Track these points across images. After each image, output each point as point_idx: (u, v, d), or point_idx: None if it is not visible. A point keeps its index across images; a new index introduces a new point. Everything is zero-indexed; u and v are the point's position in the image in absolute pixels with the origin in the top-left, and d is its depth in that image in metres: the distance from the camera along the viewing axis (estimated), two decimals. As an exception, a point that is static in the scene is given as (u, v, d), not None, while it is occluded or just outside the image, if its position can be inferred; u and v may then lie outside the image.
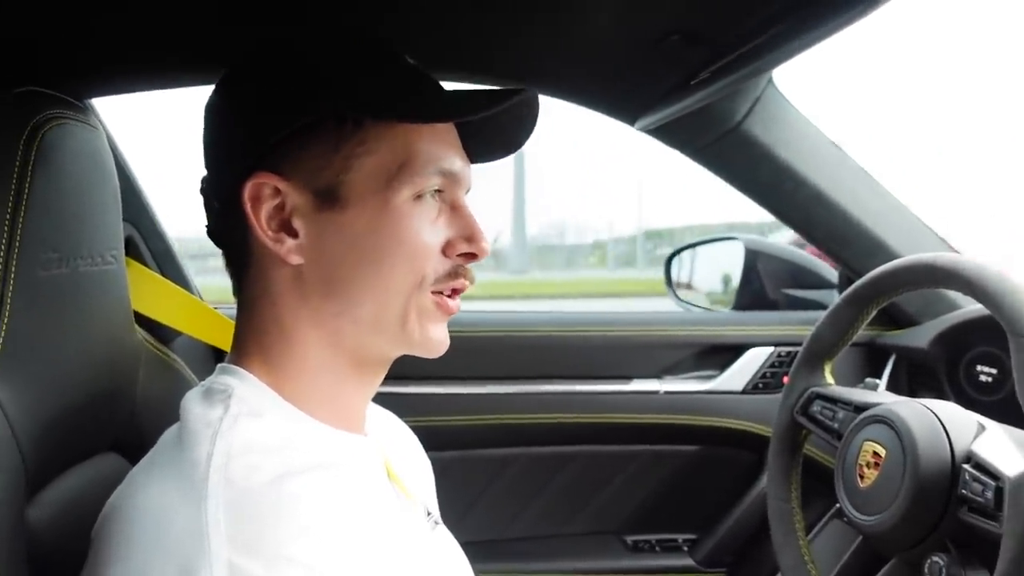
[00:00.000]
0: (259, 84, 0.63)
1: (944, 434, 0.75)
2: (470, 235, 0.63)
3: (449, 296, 0.64)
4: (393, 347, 0.64)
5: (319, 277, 0.61)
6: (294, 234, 0.61)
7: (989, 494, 0.69)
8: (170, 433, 0.61)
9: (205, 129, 0.65)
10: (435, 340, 0.64)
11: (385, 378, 0.69)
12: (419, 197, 0.61)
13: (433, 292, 0.63)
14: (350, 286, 0.61)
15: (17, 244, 0.59)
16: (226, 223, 0.64)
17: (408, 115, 0.61)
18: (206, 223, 0.67)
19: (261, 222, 0.60)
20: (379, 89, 0.62)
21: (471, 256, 0.64)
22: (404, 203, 0.61)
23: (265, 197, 0.60)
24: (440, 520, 0.74)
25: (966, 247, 1.24)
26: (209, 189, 0.65)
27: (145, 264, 1.08)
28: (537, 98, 0.66)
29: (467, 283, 0.65)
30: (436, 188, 0.62)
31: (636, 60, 0.93)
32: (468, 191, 0.67)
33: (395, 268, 0.61)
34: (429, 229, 0.62)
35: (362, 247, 0.60)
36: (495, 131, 0.67)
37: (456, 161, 0.63)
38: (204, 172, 0.66)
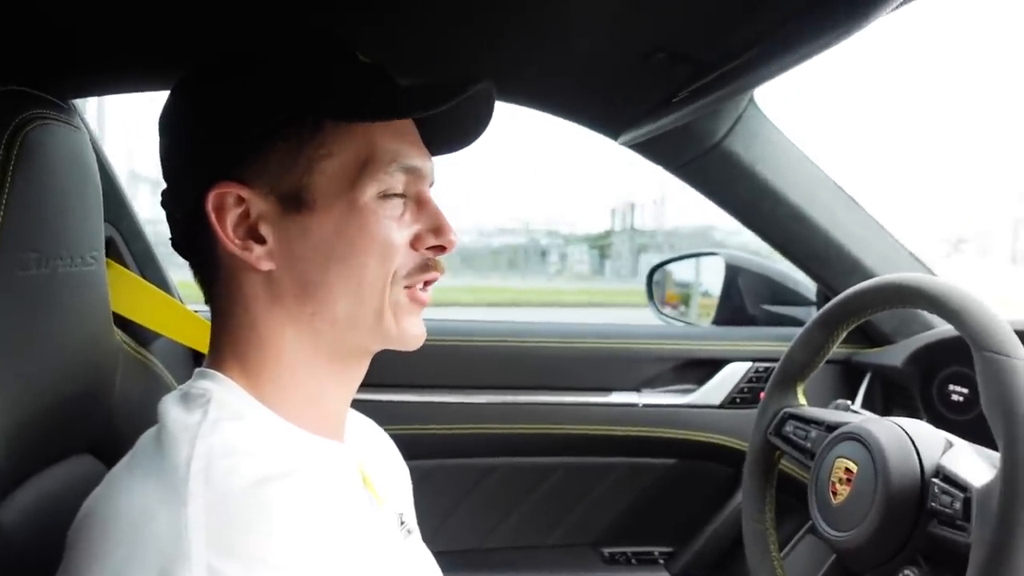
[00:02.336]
0: (213, 93, 0.62)
1: (914, 449, 0.76)
2: (437, 227, 0.64)
3: (421, 288, 0.65)
4: (371, 341, 0.65)
5: (291, 280, 0.61)
6: (261, 240, 0.61)
7: (958, 505, 0.70)
8: (148, 436, 0.60)
9: (162, 140, 0.65)
10: (411, 334, 0.65)
11: (366, 386, 0.69)
12: (385, 196, 0.62)
13: (406, 286, 0.64)
14: (323, 287, 0.61)
15: None
16: (191, 234, 0.63)
17: (364, 115, 0.61)
18: (171, 236, 0.66)
19: (227, 231, 0.60)
20: (333, 91, 0.62)
21: (440, 248, 0.65)
22: (371, 201, 0.61)
23: (229, 206, 0.60)
24: (413, 528, 0.74)
25: (941, 268, 1.26)
26: (171, 201, 0.65)
27: (125, 265, 1.08)
28: (492, 91, 0.66)
29: (438, 275, 0.66)
30: (400, 188, 0.63)
31: (621, 76, 0.94)
32: (432, 185, 0.67)
33: (366, 266, 0.61)
34: (396, 225, 0.62)
35: (331, 248, 0.61)
36: (453, 125, 0.68)
37: (417, 157, 0.64)
38: (163, 184, 0.65)
